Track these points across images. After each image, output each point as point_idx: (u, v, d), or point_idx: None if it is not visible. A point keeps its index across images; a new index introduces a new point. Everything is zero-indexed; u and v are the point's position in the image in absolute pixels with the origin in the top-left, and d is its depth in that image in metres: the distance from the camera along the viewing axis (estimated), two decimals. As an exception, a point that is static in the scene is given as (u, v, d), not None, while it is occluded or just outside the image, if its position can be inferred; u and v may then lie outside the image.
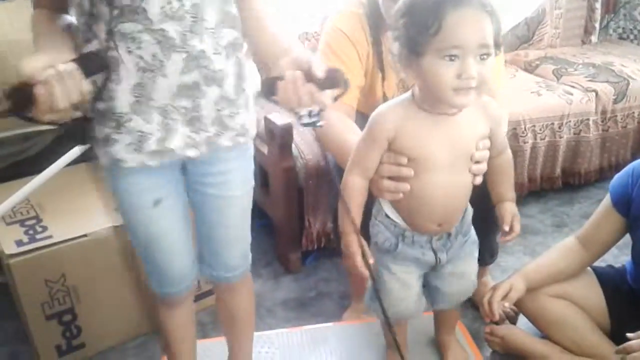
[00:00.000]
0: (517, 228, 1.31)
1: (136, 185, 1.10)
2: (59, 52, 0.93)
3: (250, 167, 1.21)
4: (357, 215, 1.26)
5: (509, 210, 1.32)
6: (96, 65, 0.95)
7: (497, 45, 1.09)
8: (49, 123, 0.90)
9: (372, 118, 1.22)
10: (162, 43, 0.97)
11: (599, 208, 1.59)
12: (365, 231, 1.33)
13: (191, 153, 1.08)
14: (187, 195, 1.20)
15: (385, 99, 1.64)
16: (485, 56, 1.06)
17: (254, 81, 1.13)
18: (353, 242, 1.23)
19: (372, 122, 1.22)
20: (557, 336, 1.59)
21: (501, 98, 1.61)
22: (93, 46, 0.98)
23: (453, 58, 1.05)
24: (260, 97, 1.10)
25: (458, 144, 1.20)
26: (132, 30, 0.96)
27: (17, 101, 0.87)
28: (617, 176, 1.57)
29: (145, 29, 0.96)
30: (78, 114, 0.98)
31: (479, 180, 1.26)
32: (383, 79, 1.62)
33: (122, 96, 1.00)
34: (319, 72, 0.96)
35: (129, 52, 0.97)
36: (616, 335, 1.50)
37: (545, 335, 1.64)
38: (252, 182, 1.22)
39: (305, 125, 1.02)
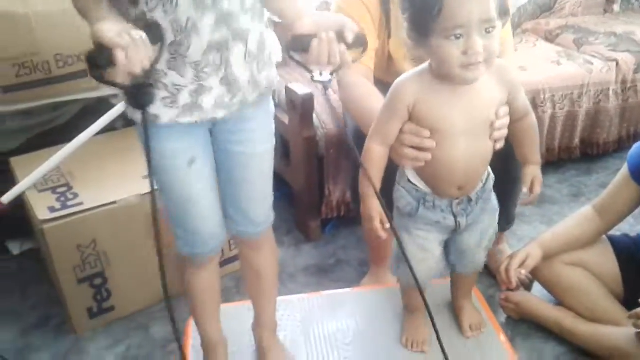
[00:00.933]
0: (537, 189, 1.34)
1: (170, 147, 1.15)
2: (120, 21, 1.00)
3: (272, 124, 1.27)
4: (377, 180, 1.29)
5: (529, 172, 1.34)
6: (158, 35, 1.02)
7: (503, 13, 1.11)
8: (117, 86, 0.99)
9: (393, 88, 1.25)
10: (196, 4, 1.03)
11: (617, 177, 1.61)
12: (387, 197, 1.37)
13: (220, 114, 1.14)
14: (214, 154, 1.25)
15: (390, 58, 1.66)
16: (490, 29, 1.09)
17: (274, 43, 1.20)
18: (373, 206, 1.28)
19: (392, 91, 1.25)
20: (572, 303, 1.63)
21: (512, 63, 1.62)
22: (138, 9, 1.03)
23: (458, 36, 1.08)
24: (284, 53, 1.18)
25: (476, 111, 1.22)
26: None
27: (97, 63, 0.95)
28: (635, 146, 1.58)
29: None
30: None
31: (499, 145, 1.29)
32: (389, 36, 1.63)
33: (160, 54, 1.05)
34: (351, 34, 1.08)
35: (166, 13, 1.02)
36: (629, 302, 1.54)
37: (559, 302, 1.68)
38: (274, 140, 1.28)
39: (317, 82, 1.12)
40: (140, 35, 0.96)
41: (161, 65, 1.06)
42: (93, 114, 1.90)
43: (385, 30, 1.63)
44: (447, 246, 1.45)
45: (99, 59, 0.94)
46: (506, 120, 1.27)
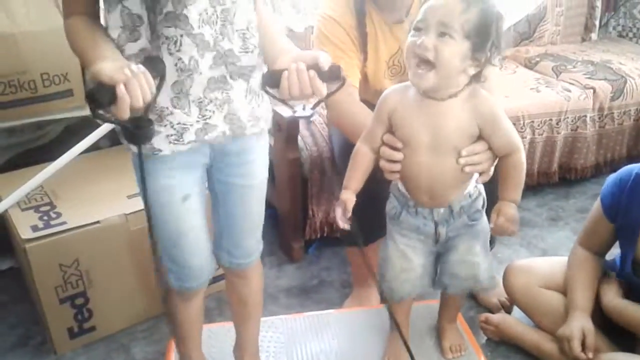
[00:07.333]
0: (500, 221, 1.29)
1: (166, 183, 1.16)
2: (119, 55, 1.00)
3: (267, 155, 1.29)
4: (359, 178, 1.37)
5: (496, 208, 1.31)
6: (159, 68, 1.02)
7: (477, 35, 1.19)
8: (118, 123, 0.97)
9: (381, 96, 1.36)
10: (199, 46, 1.05)
11: (592, 213, 1.65)
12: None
13: (221, 140, 1.17)
14: (210, 188, 1.27)
15: (366, 78, 1.70)
16: (443, 35, 1.18)
17: None
18: (342, 196, 1.34)
19: (380, 98, 1.36)
20: (548, 326, 1.65)
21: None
22: (138, 46, 1.04)
23: (419, 30, 1.21)
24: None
25: (438, 129, 1.28)
26: (175, 34, 1.03)
27: (99, 101, 0.92)
28: (607, 183, 1.61)
29: (186, 34, 1.04)
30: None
31: (482, 179, 1.34)
32: (365, 59, 1.68)
33: (164, 92, 1.06)
34: (325, 64, 1.04)
35: (170, 53, 1.05)
36: (606, 324, 1.59)
37: (537, 325, 1.71)
38: (267, 171, 1.30)
39: (300, 117, 1.12)
40: (140, 68, 0.94)
41: (166, 103, 1.08)
42: (78, 133, 1.90)
43: (362, 53, 1.67)
44: (438, 264, 1.48)
45: (100, 97, 0.91)
46: (479, 157, 1.30)
